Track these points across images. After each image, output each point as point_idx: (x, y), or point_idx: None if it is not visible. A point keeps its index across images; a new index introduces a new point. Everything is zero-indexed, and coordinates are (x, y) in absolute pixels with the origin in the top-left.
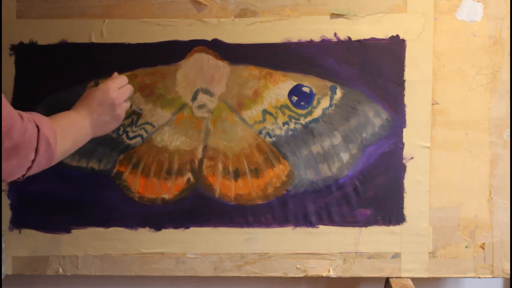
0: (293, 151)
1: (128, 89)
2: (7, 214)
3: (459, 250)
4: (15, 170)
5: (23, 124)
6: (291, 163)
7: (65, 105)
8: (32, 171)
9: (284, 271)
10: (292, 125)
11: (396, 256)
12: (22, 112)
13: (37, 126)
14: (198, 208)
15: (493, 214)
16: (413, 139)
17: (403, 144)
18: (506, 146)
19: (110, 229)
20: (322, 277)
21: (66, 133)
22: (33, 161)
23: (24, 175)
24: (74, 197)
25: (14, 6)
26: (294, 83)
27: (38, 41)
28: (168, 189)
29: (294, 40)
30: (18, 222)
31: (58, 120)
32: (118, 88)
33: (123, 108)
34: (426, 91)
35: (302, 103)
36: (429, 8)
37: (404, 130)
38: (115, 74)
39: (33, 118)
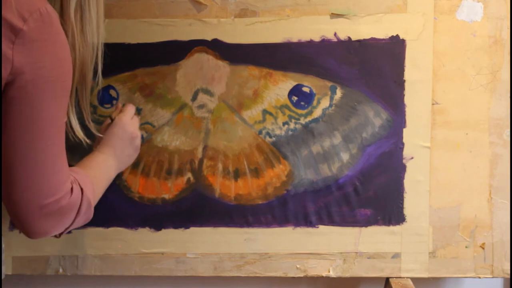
0: (293, 151)
1: (138, 118)
2: (7, 214)
3: (459, 250)
4: (54, 229)
5: (68, 187)
6: (291, 163)
7: None
8: (69, 229)
9: (284, 271)
10: (292, 125)
11: (396, 256)
12: (70, 169)
13: (81, 189)
14: (198, 208)
15: (493, 214)
16: (413, 139)
17: (403, 144)
18: (506, 146)
19: (110, 229)
20: (322, 277)
21: (100, 183)
22: (72, 220)
23: (61, 233)
24: None
25: None
26: (294, 83)
27: None
28: (168, 189)
29: (294, 40)
30: None
31: (93, 171)
32: (131, 119)
33: (139, 138)
34: (426, 91)
35: (302, 103)
36: (429, 8)
37: (404, 130)
38: (120, 105)
39: (76, 178)
